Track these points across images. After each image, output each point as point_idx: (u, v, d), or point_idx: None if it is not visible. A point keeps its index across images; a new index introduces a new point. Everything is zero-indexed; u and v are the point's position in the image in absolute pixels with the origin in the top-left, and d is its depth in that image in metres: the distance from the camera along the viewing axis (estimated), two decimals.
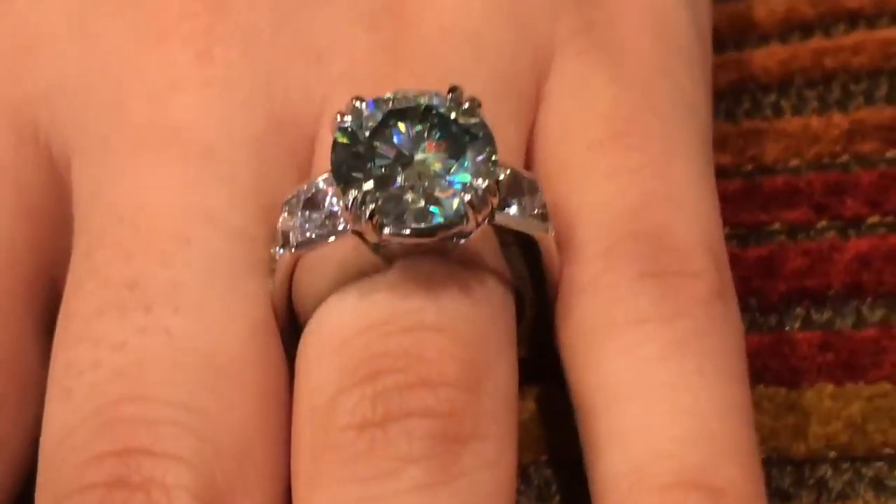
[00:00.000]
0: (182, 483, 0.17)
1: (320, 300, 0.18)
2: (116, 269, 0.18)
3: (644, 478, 0.17)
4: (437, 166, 0.17)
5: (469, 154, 0.17)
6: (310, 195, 0.17)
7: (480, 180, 0.17)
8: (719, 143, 0.22)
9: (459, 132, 0.17)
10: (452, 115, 0.17)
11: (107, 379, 0.17)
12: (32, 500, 0.17)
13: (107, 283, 0.18)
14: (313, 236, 0.17)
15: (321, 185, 0.17)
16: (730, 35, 0.24)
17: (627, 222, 0.18)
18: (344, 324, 0.17)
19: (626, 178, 0.19)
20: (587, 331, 0.18)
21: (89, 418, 0.17)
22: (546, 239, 0.18)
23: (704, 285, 0.18)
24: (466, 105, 0.17)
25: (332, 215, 0.17)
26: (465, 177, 0.17)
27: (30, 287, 0.19)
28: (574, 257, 0.18)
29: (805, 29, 0.24)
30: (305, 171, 0.19)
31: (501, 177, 0.17)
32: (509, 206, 0.17)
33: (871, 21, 0.24)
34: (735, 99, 0.23)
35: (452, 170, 0.17)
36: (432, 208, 0.17)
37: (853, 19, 0.24)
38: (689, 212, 0.19)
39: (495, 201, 0.17)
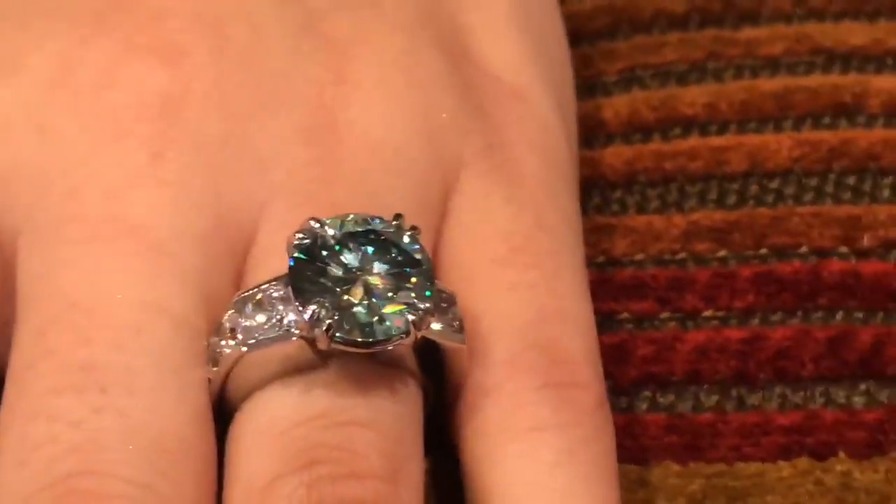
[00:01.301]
0: None
1: (255, 391, 0.19)
2: (72, 352, 0.19)
3: None
4: (384, 286, 0.19)
5: (412, 278, 0.19)
6: (257, 299, 0.19)
7: (422, 302, 0.19)
8: None
9: (403, 256, 0.19)
10: (396, 241, 0.19)
11: (63, 453, 0.18)
12: None
13: (63, 365, 0.19)
14: (262, 338, 0.19)
15: (270, 292, 0.19)
16: (581, 133, 0.27)
17: (527, 335, 0.21)
18: (284, 416, 0.19)
19: (526, 293, 0.21)
20: (489, 432, 0.20)
21: (45, 489, 0.18)
22: (461, 350, 0.20)
23: (591, 396, 0.20)
24: (409, 232, 0.19)
25: (279, 320, 0.19)
26: (408, 297, 0.19)
27: None
28: (479, 363, 0.20)
29: (645, 132, 0.27)
30: (241, 268, 0.20)
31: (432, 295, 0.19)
32: (437, 322, 0.20)
33: (703, 127, 0.27)
34: (587, 194, 0.26)
35: (398, 290, 0.19)
36: (378, 324, 0.19)
37: (687, 125, 0.27)
38: (575, 325, 0.21)
39: (432, 320, 0.19)
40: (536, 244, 0.22)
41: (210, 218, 0.20)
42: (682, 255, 0.25)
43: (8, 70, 0.21)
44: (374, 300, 0.19)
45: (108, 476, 0.18)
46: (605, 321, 0.24)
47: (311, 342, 0.19)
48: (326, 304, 0.19)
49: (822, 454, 0.22)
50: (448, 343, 0.20)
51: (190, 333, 0.20)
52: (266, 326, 0.19)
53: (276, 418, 0.19)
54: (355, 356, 0.19)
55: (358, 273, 0.20)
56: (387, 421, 0.20)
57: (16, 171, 0.20)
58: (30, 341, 0.19)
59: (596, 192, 0.26)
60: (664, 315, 0.24)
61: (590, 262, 0.24)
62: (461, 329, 0.20)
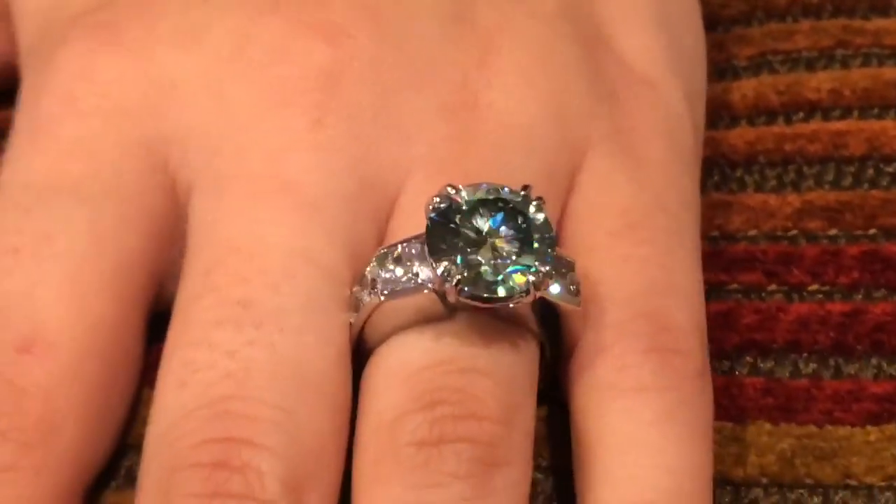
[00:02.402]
0: (273, 471, 0.20)
1: (390, 337, 0.22)
2: (232, 290, 0.22)
3: None
4: (509, 249, 0.21)
5: (535, 243, 0.21)
6: (396, 254, 0.22)
7: (542, 266, 0.21)
8: None
9: (528, 223, 0.22)
10: (523, 210, 0.22)
11: (219, 378, 0.21)
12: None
13: (224, 300, 0.22)
14: (399, 289, 0.21)
15: (409, 248, 0.22)
16: (707, 114, 0.28)
17: (637, 303, 0.23)
18: (413, 360, 0.21)
19: (638, 265, 0.23)
20: (596, 389, 0.22)
21: (201, 409, 0.21)
22: (577, 311, 0.22)
23: (692, 364, 0.22)
24: (535, 202, 0.22)
25: (416, 274, 0.21)
26: (530, 261, 0.21)
27: (144, 291, 0.23)
28: (591, 326, 0.22)
29: (770, 114, 0.28)
30: (384, 227, 0.23)
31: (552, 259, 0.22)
32: (556, 285, 0.22)
33: (826, 112, 0.28)
34: (708, 172, 0.27)
35: (521, 254, 0.21)
36: (502, 283, 0.21)
37: (811, 110, 0.28)
38: (684, 299, 0.23)
39: (550, 282, 0.21)
40: (653, 221, 0.24)
41: (358, 181, 0.23)
42: (793, 233, 0.26)
43: (190, 41, 0.24)
44: (499, 261, 0.22)
45: (256, 401, 0.21)
46: (714, 291, 0.26)
47: (442, 296, 0.22)
48: (457, 262, 0.21)
49: None
50: (565, 305, 0.22)
51: (335, 282, 0.22)
52: (402, 279, 0.22)
53: (406, 361, 0.22)
54: (480, 311, 0.22)
55: (486, 236, 0.22)
56: (504, 371, 0.22)
57: (194, 133, 0.23)
58: (196, 279, 0.22)
59: (717, 171, 0.27)
60: (771, 287, 0.26)
61: (705, 236, 0.26)
62: (578, 293, 0.22)
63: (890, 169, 0.27)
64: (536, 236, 0.22)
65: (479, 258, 0.21)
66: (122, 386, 0.22)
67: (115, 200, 0.23)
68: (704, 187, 0.27)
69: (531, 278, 0.21)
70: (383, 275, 0.22)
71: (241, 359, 0.21)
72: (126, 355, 0.22)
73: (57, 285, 0.22)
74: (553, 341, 0.23)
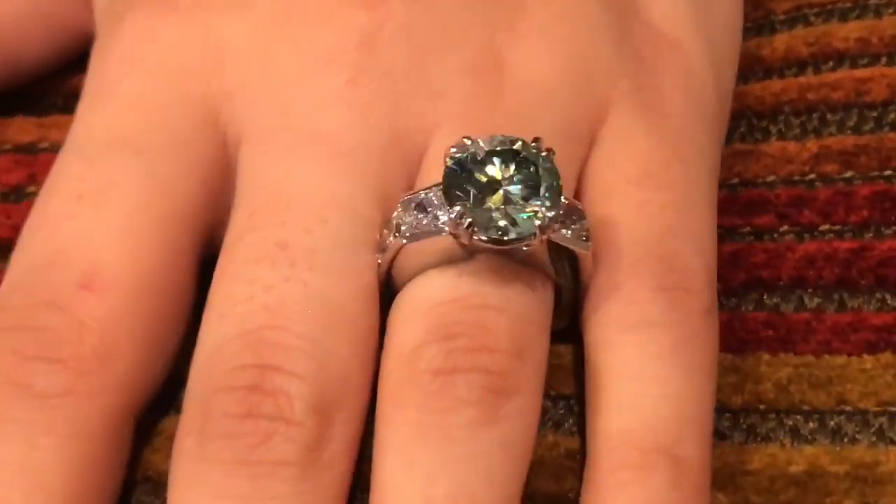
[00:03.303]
0: (301, 395, 0.23)
1: (415, 276, 0.24)
2: (271, 231, 0.24)
3: (631, 439, 0.23)
4: (519, 195, 0.23)
5: (543, 190, 0.23)
6: (419, 201, 0.24)
7: (549, 211, 0.23)
8: None
9: (537, 172, 0.23)
10: (534, 160, 0.23)
11: (256, 310, 0.23)
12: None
13: (263, 240, 0.24)
14: (420, 232, 0.24)
15: (430, 195, 0.24)
16: (740, 70, 0.30)
17: (650, 245, 0.24)
18: (432, 296, 0.23)
19: (654, 210, 0.25)
20: (607, 324, 0.24)
21: (239, 337, 0.23)
22: (586, 255, 0.24)
23: (700, 303, 0.24)
24: (545, 153, 0.24)
25: (436, 219, 0.24)
26: (538, 206, 0.23)
27: (196, 236, 0.25)
28: (607, 265, 0.24)
29: (801, 65, 0.30)
30: (413, 176, 0.25)
31: (562, 206, 0.23)
32: (564, 228, 0.24)
33: (853, 60, 0.30)
34: (734, 124, 0.29)
35: (530, 200, 0.23)
36: (511, 226, 0.23)
37: (840, 59, 0.30)
38: (696, 243, 0.25)
39: (557, 226, 0.23)
40: (670, 172, 0.25)
41: (390, 134, 0.25)
42: (810, 177, 0.28)
43: (241, 8, 0.26)
44: (509, 206, 0.23)
45: (288, 331, 0.23)
46: (727, 234, 0.27)
47: (459, 239, 0.24)
48: (469, 207, 0.23)
49: None
50: (574, 248, 0.24)
51: (365, 225, 0.24)
52: (424, 223, 0.24)
53: (426, 298, 0.24)
54: (496, 253, 0.24)
55: (499, 184, 0.24)
56: (517, 309, 0.24)
57: (242, 90, 0.25)
58: (241, 221, 0.24)
59: (743, 122, 0.29)
60: (783, 228, 0.27)
61: (724, 184, 0.28)
62: (588, 238, 0.24)
63: None
64: (545, 184, 0.24)
65: (491, 203, 0.23)
66: (174, 323, 0.25)
67: (171, 152, 0.25)
68: (731, 138, 0.29)
69: (538, 222, 0.23)
70: (406, 219, 0.24)
71: (276, 293, 0.23)
72: (178, 294, 0.25)
73: (115, 229, 0.24)
74: (573, 285, 0.25)
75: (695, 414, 0.23)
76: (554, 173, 0.24)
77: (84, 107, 0.26)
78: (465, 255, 0.24)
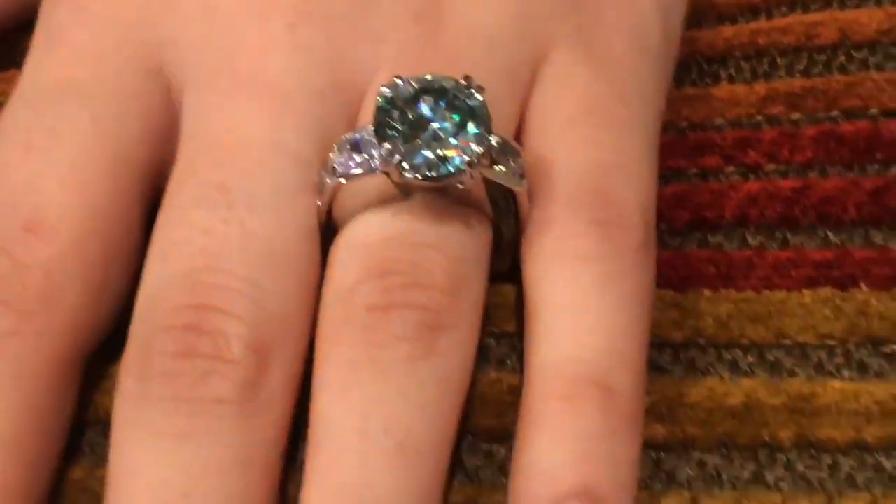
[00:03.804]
0: (239, 334, 0.23)
1: (353, 216, 0.24)
2: (210, 175, 0.24)
3: (562, 370, 0.23)
4: (449, 132, 0.24)
5: (470, 126, 0.24)
6: (353, 141, 0.24)
7: (477, 146, 0.23)
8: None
9: (466, 109, 0.24)
10: (463, 97, 0.24)
11: (194, 252, 0.24)
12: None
13: (202, 184, 0.24)
14: (355, 172, 0.24)
15: (364, 135, 0.24)
16: (692, 16, 0.30)
17: (585, 181, 0.25)
18: (369, 235, 0.24)
19: (591, 148, 0.25)
20: (542, 257, 0.24)
21: (178, 279, 0.23)
22: (521, 193, 0.24)
23: (634, 237, 0.24)
24: (474, 90, 0.24)
25: (369, 158, 0.24)
26: (467, 142, 0.24)
27: (142, 181, 0.25)
28: (543, 200, 0.25)
29: (753, 11, 0.30)
30: (354, 121, 0.25)
31: (494, 143, 0.24)
32: (498, 165, 0.24)
33: (806, 5, 0.30)
34: (686, 69, 0.29)
35: (458, 136, 0.24)
36: (440, 162, 0.24)
37: (792, 4, 0.30)
38: (632, 180, 0.25)
39: (486, 162, 0.24)
40: (608, 109, 0.26)
41: (330, 79, 0.25)
42: (757, 119, 0.28)
43: None
44: (438, 143, 0.24)
45: (226, 273, 0.24)
46: (673, 175, 0.27)
47: (391, 177, 0.24)
48: (399, 145, 0.24)
49: (844, 285, 0.25)
50: (507, 184, 0.24)
51: (305, 168, 0.25)
52: (358, 163, 0.24)
53: (363, 237, 0.24)
54: (431, 192, 0.24)
55: (428, 121, 0.24)
56: (453, 246, 0.24)
57: (185, 39, 0.26)
58: (182, 166, 0.25)
59: (694, 67, 0.29)
60: (728, 169, 0.27)
61: (673, 127, 0.28)
62: (523, 176, 0.25)
63: (859, 55, 0.29)
64: (473, 121, 0.24)
65: (420, 141, 0.24)
66: (119, 266, 0.25)
67: (116, 100, 0.25)
68: (682, 83, 0.29)
69: (465, 157, 0.24)
70: (341, 160, 0.24)
71: (215, 236, 0.24)
72: (124, 239, 0.25)
73: (60, 175, 0.25)
74: (514, 223, 0.25)
75: (626, 345, 0.24)
76: (483, 109, 0.24)
77: (32, 56, 0.27)
78: (402, 194, 0.24)
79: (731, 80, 0.29)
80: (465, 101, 0.24)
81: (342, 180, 0.24)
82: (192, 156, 0.25)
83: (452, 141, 0.24)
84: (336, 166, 0.24)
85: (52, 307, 0.24)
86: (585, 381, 0.23)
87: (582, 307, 0.24)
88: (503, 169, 0.24)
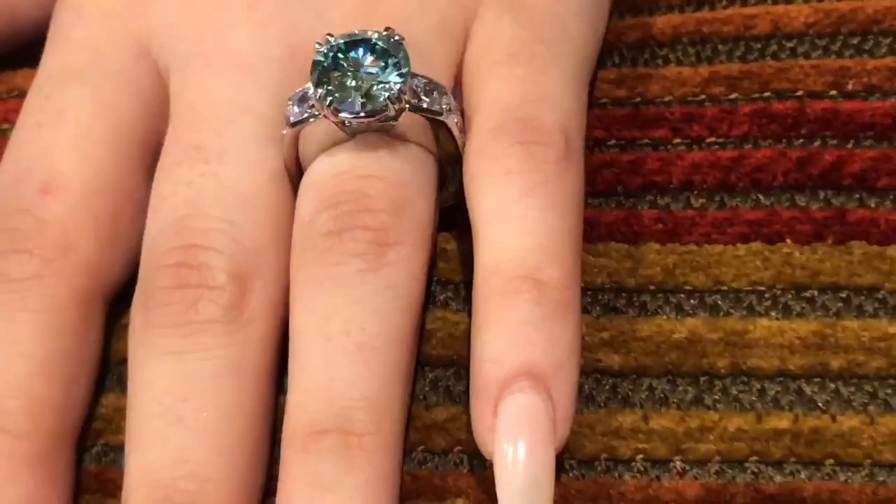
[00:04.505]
0: (220, 265, 0.27)
1: (311, 161, 0.28)
2: (188, 138, 0.29)
3: (498, 270, 0.27)
4: (373, 76, 0.28)
5: (391, 68, 0.28)
6: (301, 94, 0.28)
7: (397, 84, 0.28)
8: (619, 82, 0.33)
9: (388, 55, 0.28)
10: (384, 45, 0.28)
11: (180, 203, 0.28)
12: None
13: (182, 146, 0.29)
14: (300, 119, 0.28)
15: (307, 88, 0.28)
16: (646, 5, 0.34)
17: (510, 111, 0.28)
18: (322, 172, 0.28)
19: (515, 83, 0.29)
20: (476, 178, 0.28)
21: (168, 226, 0.28)
22: (449, 121, 0.28)
23: (553, 152, 0.28)
24: (395, 39, 0.28)
25: (313, 106, 0.28)
26: (389, 80, 0.28)
27: (140, 149, 0.30)
28: (474, 133, 0.28)
29: (699, 3, 0.34)
30: (307, 81, 0.29)
31: (416, 83, 0.28)
32: (423, 101, 0.28)
33: (745, 0, 0.34)
34: (639, 51, 0.34)
35: (380, 77, 0.28)
36: (368, 100, 0.28)
37: None
38: (553, 107, 0.28)
39: (407, 97, 0.28)
40: (530, 51, 0.29)
41: (285, 48, 0.29)
42: (701, 97, 0.32)
43: None
44: (363, 83, 0.28)
45: (207, 216, 0.28)
46: (628, 145, 0.32)
47: (327, 118, 0.28)
48: (330, 88, 0.28)
49: (773, 240, 0.30)
50: (432, 116, 0.28)
51: (268, 124, 0.29)
52: (304, 110, 0.28)
53: (317, 176, 0.28)
54: (373, 131, 0.28)
55: (357, 68, 0.28)
56: (394, 175, 0.28)
57: (165, 26, 0.30)
58: (168, 135, 0.29)
59: (647, 50, 0.33)
60: (676, 141, 0.32)
61: (627, 102, 0.32)
62: (450, 110, 0.28)
63: (789, 44, 0.33)
64: (393, 62, 0.28)
65: (348, 83, 0.28)
66: (127, 221, 0.29)
67: (112, 81, 0.30)
68: (636, 64, 0.33)
69: (389, 93, 0.28)
70: (293, 111, 0.29)
71: (195, 187, 0.28)
72: (127, 197, 0.29)
73: (68, 145, 0.29)
74: (454, 156, 0.29)
75: (552, 243, 0.27)
76: (402, 52, 0.28)
77: (45, 52, 0.31)
78: (349, 137, 0.28)
79: (678, 62, 0.33)
80: (386, 48, 0.28)
81: (293, 128, 0.28)
82: (175, 124, 0.29)
83: (377, 81, 0.28)
84: (290, 117, 0.29)
85: (69, 253, 0.28)
86: (517, 277, 0.27)
87: (509, 215, 0.27)
88: (427, 103, 0.28)
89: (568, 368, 0.26)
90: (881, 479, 0.27)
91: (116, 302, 0.30)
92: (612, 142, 0.32)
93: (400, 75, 0.28)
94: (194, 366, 0.27)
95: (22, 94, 0.33)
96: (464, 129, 0.29)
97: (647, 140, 0.32)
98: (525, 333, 0.26)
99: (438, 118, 0.28)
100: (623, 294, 0.30)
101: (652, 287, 0.30)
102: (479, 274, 0.27)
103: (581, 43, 0.30)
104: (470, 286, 0.29)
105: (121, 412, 0.29)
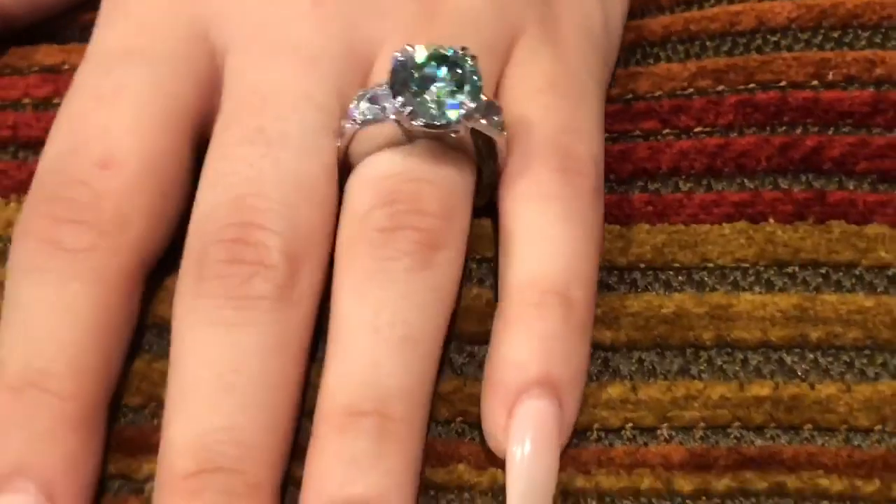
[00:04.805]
0: (275, 245, 0.29)
1: (366, 157, 0.30)
2: (251, 120, 0.30)
3: (532, 283, 0.29)
4: (448, 91, 0.30)
5: (466, 87, 0.29)
6: (370, 94, 0.30)
7: (471, 103, 0.29)
8: (613, 82, 0.35)
9: (464, 73, 0.30)
10: (461, 64, 0.30)
11: (239, 181, 0.29)
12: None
13: (244, 127, 0.30)
14: (370, 119, 0.30)
15: (379, 91, 0.30)
16: (638, 8, 0.36)
17: (550, 138, 0.30)
18: (379, 171, 0.30)
19: (554, 112, 0.31)
20: (517, 197, 0.30)
21: (227, 202, 0.29)
22: (501, 139, 0.30)
23: (589, 182, 0.30)
24: (470, 59, 0.30)
25: (383, 109, 0.30)
26: (462, 99, 0.29)
27: (192, 128, 0.31)
28: (518, 152, 0.30)
29: (687, 3, 0.36)
30: (366, 79, 0.31)
31: (482, 101, 0.29)
32: (484, 119, 0.30)
33: None
34: (632, 52, 0.35)
35: (456, 94, 0.29)
36: (441, 114, 0.29)
37: None
38: (586, 138, 0.31)
39: (477, 115, 0.29)
40: (567, 83, 0.32)
41: (347, 44, 0.31)
42: (689, 90, 0.34)
43: None
44: (440, 99, 0.30)
45: (265, 197, 0.29)
46: (620, 136, 0.34)
47: (402, 126, 0.30)
48: (410, 98, 0.30)
49: (756, 220, 0.32)
50: (491, 135, 0.30)
51: (327, 115, 0.30)
52: (374, 112, 0.30)
53: (374, 173, 0.30)
54: (431, 138, 0.30)
55: (433, 81, 0.30)
56: (446, 182, 0.30)
57: (227, 11, 0.31)
58: (227, 113, 0.31)
59: (639, 49, 0.35)
60: (665, 131, 0.34)
61: (620, 98, 0.34)
62: (503, 129, 0.30)
63: (773, 38, 0.35)
64: (468, 83, 0.30)
65: (426, 97, 0.30)
66: (174, 197, 0.31)
67: (170, 61, 0.31)
68: (629, 63, 0.35)
69: (462, 111, 0.30)
70: (360, 109, 0.30)
71: (255, 168, 0.30)
72: (178, 174, 0.31)
73: (126, 122, 0.30)
74: (492, 168, 0.31)
75: (582, 266, 0.30)
76: (476, 75, 0.30)
77: (100, 26, 0.32)
78: (406, 140, 0.30)
79: (668, 59, 0.35)
80: (462, 67, 0.30)
81: (359, 126, 0.30)
82: (235, 106, 0.31)
83: (452, 98, 0.30)
84: (355, 115, 0.30)
85: (123, 229, 0.30)
86: (550, 292, 0.29)
87: (547, 235, 0.30)
88: (487, 122, 0.30)
89: (579, 384, 0.29)
90: (856, 443, 0.29)
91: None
92: (605, 135, 0.33)
93: (472, 95, 0.30)
94: (245, 338, 0.28)
95: (42, 70, 0.34)
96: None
97: (637, 131, 0.34)
98: (550, 345, 0.28)
99: (493, 137, 0.30)
100: (615, 272, 0.31)
101: (642, 265, 0.31)
102: (510, 282, 0.29)
103: (600, 79, 0.33)
104: (477, 271, 0.30)
105: (138, 375, 0.30)
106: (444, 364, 0.31)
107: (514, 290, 0.29)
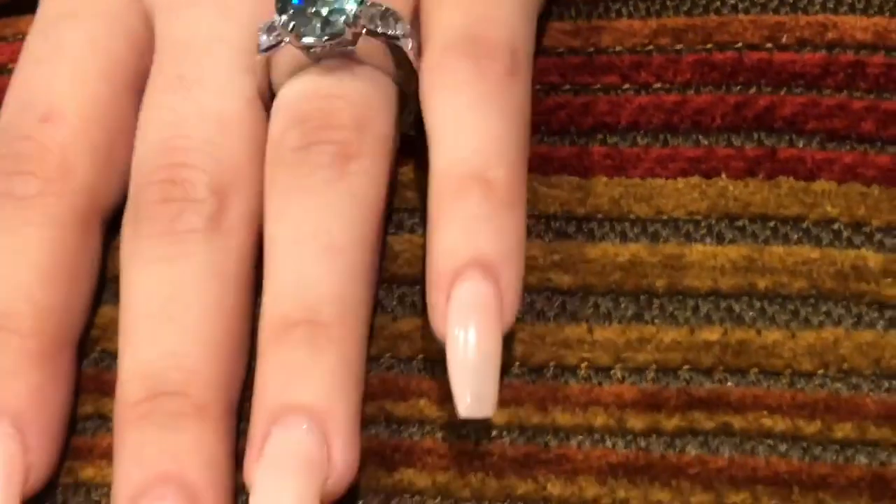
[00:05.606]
0: (201, 181, 0.30)
1: (282, 85, 0.32)
2: (173, 68, 0.32)
3: (450, 171, 0.29)
4: (331, 3, 0.31)
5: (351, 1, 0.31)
6: (269, 24, 0.31)
7: (352, 9, 0.31)
8: (574, 34, 0.36)
9: None
10: None
11: (164, 126, 0.31)
12: None
13: (167, 77, 0.32)
14: (268, 46, 0.31)
15: (276, 19, 0.31)
16: None
17: (460, 31, 0.31)
18: (290, 94, 0.31)
19: (467, 6, 0.31)
20: (429, 91, 0.30)
21: (154, 147, 0.31)
22: (404, 45, 0.31)
23: (501, 66, 0.30)
24: None
25: (278, 34, 0.31)
26: (344, 7, 0.31)
27: (132, 82, 0.33)
28: (430, 49, 0.31)
29: None
30: None
31: (373, 10, 0.31)
32: (379, 26, 0.31)
33: None
34: (594, 5, 0.36)
35: (338, 5, 0.31)
36: (327, 26, 0.31)
37: None
38: (502, 26, 0.31)
39: (363, 23, 0.31)
40: None
41: None
42: (649, 47, 0.35)
43: None
44: (325, 11, 0.31)
45: (189, 138, 0.31)
46: (581, 90, 0.35)
47: (303, 49, 0.31)
48: (294, 16, 0.31)
49: (710, 175, 0.33)
50: (389, 39, 0.31)
51: (243, 54, 0.32)
52: (271, 38, 0.31)
53: (286, 98, 0.31)
54: (336, 56, 0.31)
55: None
56: (355, 95, 0.31)
57: None
58: (154, 66, 0.33)
59: (601, 4, 0.36)
60: (625, 86, 0.35)
61: (581, 51, 0.35)
62: (405, 35, 0.31)
63: (731, 1, 0.36)
64: None
65: (309, 10, 0.31)
66: (122, 147, 0.32)
67: (105, 20, 0.33)
68: (590, 17, 0.36)
69: (343, 17, 0.31)
70: (263, 39, 0.32)
71: (178, 112, 0.31)
72: (121, 125, 0.32)
73: (66, 78, 0.32)
74: (409, 78, 0.32)
75: (499, 147, 0.30)
76: None
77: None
78: (314, 62, 0.31)
79: (629, 15, 0.36)
80: None
81: (262, 54, 0.32)
82: (159, 58, 0.33)
83: (335, 8, 0.31)
84: (260, 45, 0.32)
85: (68, 175, 0.31)
86: (467, 177, 0.29)
87: (460, 122, 0.30)
88: (383, 28, 0.31)
89: (514, 260, 0.29)
90: (800, 386, 0.31)
91: (111, 227, 0.33)
92: (567, 87, 0.35)
93: (356, 2, 0.31)
94: (181, 270, 0.30)
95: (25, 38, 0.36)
96: (419, 55, 0.32)
97: (598, 85, 0.35)
98: (474, 227, 0.29)
99: (395, 42, 0.31)
100: (573, 221, 0.33)
101: (599, 215, 0.33)
102: (432, 175, 0.30)
103: None
104: None
105: (115, 322, 0.32)
106: (408, 305, 0.32)
107: (435, 181, 0.30)
